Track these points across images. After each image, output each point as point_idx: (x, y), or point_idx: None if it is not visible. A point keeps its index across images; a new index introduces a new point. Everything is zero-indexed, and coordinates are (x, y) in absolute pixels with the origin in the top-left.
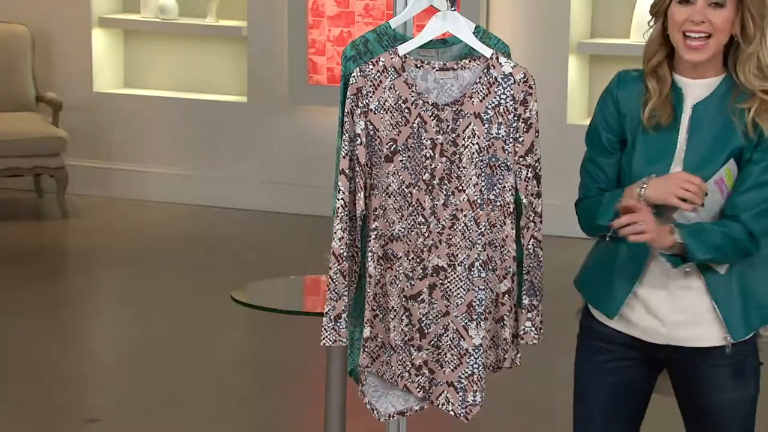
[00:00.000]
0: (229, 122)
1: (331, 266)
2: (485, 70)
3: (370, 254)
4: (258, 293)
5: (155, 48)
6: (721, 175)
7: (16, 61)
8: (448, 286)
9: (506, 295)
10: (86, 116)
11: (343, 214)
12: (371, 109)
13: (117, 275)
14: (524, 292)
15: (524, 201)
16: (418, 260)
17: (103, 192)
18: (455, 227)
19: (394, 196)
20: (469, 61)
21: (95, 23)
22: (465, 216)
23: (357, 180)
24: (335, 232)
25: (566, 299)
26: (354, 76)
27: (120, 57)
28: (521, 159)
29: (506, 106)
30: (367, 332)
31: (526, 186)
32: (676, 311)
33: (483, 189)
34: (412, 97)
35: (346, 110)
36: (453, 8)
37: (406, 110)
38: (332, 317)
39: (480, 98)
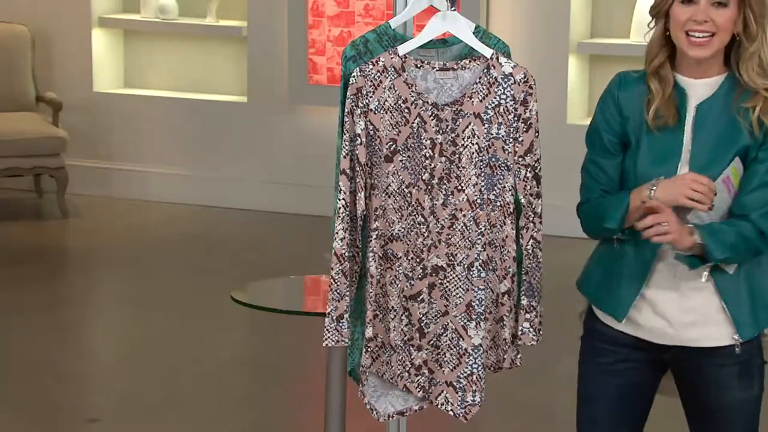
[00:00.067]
0: (229, 122)
1: (332, 266)
2: (485, 70)
3: (371, 254)
4: (258, 293)
5: (155, 48)
6: (728, 174)
7: (16, 61)
8: (447, 286)
9: (506, 296)
10: (86, 116)
11: (344, 214)
12: (371, 109)
13: (117, 275)
14: (523, 292)
15: (523, 201)
16: (417, 260)
17: (103, 192)
18: (454, 227)
19: (393, 196)
20: (469, 61)
21: (95, 23)
22: (464, 216)
23: (357, 180)
24: (337, 233)
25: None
26: (354, 76)
27: (120, 57)
28: (520, 159)
29: (506, 106)
30: (369, 332)
31: (525, 186)
32: (684, 312)
33: (483, 189)
34: (412, 97)
35: (346, 110)
36: (453, 8)
37: (406, 110)
38: (334, 318)
39: (480, 98)
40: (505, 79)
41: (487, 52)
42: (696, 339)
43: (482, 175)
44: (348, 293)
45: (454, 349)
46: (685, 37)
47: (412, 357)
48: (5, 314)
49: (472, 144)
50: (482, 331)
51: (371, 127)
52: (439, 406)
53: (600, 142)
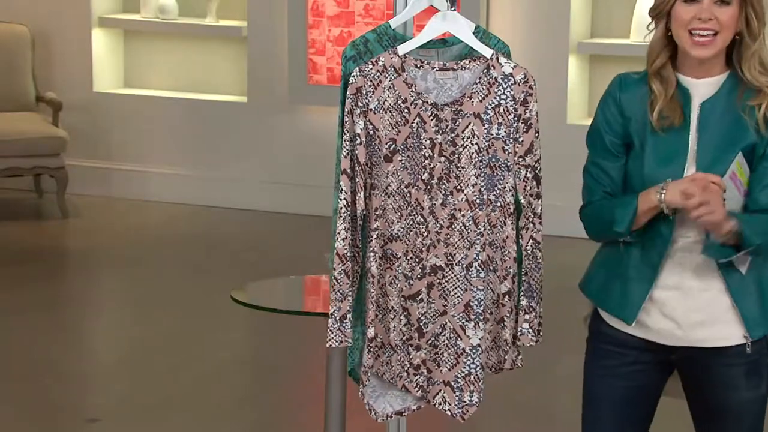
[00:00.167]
0: (229, 122)
1: (335, 267)
2: (485, 71)
3: (372, 254)
4: (258, 293)
5: (155, 48)
6: (733, 170)
7: (16, 61)
8: (445, 286)
9: (507, 296)
10: (86, 116)
11: (346, 214)
12: (371, 109)
13: (117, 275)
14: (522, 293)
15: (523, 201)
16: (416, 260)
17: (103, 192)
18: (453, 227)
19: (393, 196)
20: (469, 62)
21: (95, 23)
22: (463, 216)
23: (357, 180)
24: (339, 233)
25: (566, 300)
26: (354, 76)
27: (120, 57)
28: (521, 159)
29: (506, 107)
30: (371, 332)
31: (525, 186)
32: (693, 312)
33: (482, 189)
34: (412, 96)
35: (345, 110)
36: (453, 8)
37: (406, 110)
38: (337, 318)
39: (480, 98)
40: (505, 80)
41: (487, 52)
42: (705, 339)
43: (482, 175)
44: (350, 293)
45: (452, 349)
46: (688, 37)
47: (411, 357)
48: (5, 314)
49: (472, 144)
50: (481, 331)
51: (371, 126)
52: (436, 406)
53: (601, 143)
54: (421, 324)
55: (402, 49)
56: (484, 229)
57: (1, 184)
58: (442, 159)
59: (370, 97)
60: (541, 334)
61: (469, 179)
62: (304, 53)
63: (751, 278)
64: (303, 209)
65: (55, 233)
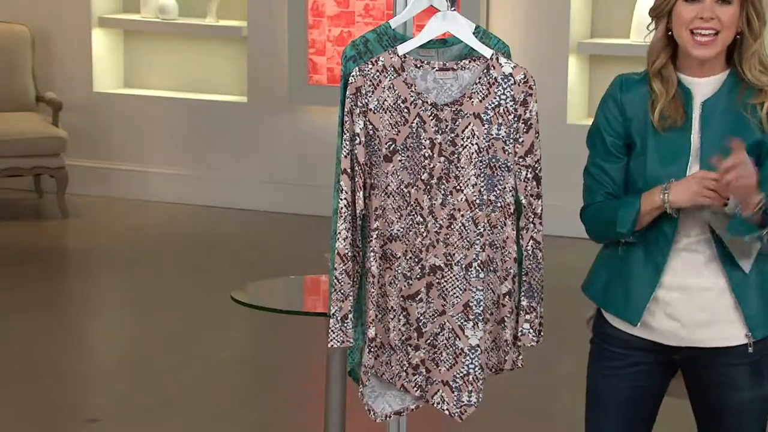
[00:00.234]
0: (229, 122)
1: (336, 267)
2: (485, 71)
3: (372, 254)
4: (258, 293)
5: (155, 48)
6: None
7: (16, 61)
8: (444, 286)
9: (507, 297)
10: (86, 116)
11: (346, 213)
12: (370, 109)
13: (117, 275)
14: (523, 293)
15: (523, 202)
16: (416, 260)
17: (103, 192)
18: (453, 227)
19: (393, 196)
20: (469, 62)
21: (95, 23)
22: (463, 216)
23: (357, 179)
24: (339, 233)
25: (566, 300)
26: (353, 76)
27: (120, 57)
28: (521, 160)
29: (506, 107)
30: (371, 332)
31: (526, 187)
32: (697, 312)
33: (482, 189)
34: (412, 96)
35: (345, 110)
36: (453, 8)
37: (405, 110)
38: (339, 318)
39: (480, 98)
40: (505, 80)
41: (487, 52)
42: (708, 339)
43: (482, 175)
44: (351, 293)
45: (451, 349)
46: (690, 36)
47: (410, 357)
48: (5, 314)
49: (472, 144)
50: (480, 332)
51: (370, 126)
52: (435, 405)
53: (602, 144)
54: (420, 324)
55: (402, 49)
56: (484, 230)
57: (1, 184)
58: (442, 159)
59: (370, 96)
60: (542, 334)
61: (469, 179)
62: (304, 53)
63: (753, 278)
64: (303, 209)
65: (55, 233)
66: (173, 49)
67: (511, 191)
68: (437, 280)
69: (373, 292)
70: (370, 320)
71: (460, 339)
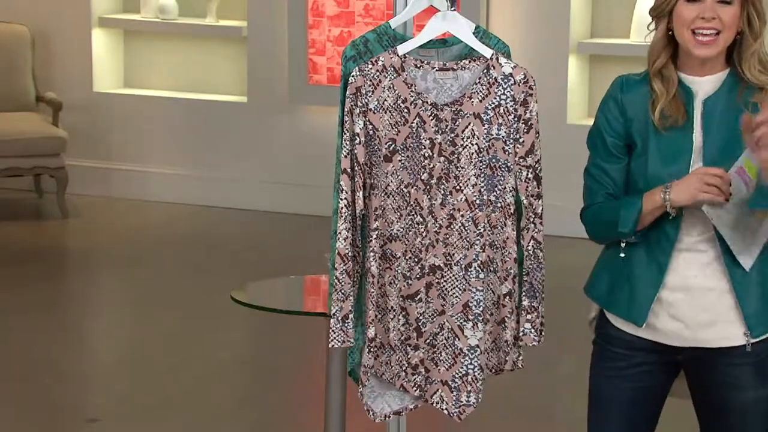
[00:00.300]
0: (229, 122)
1: (336, 267)
2: (485, 71)
3: (371, 254)
4: (258, 293)
5: (155, 48)
6: (740, 165)
7: (16, 61)
8: (444, 286)
9: (507, 297)
10: (86, 116)
11: (346, 213)
12: (370, 109)
13: (117, 275)
14: (524, 293)
15: (524, 202)
16: (416, 260)
17: (103, 192)
18: (452, 227)
19: (393, 196)
20: (469, 62)
21: (95, 23)
22: (462, 216)
23: (357, 179)
24: (340, 233)
25: (566, 300)
26: (353, 76)
27: (120, 57)
28: (521, 160)
29: (506, 107)
30: (371, 332)
31: (527, 187)
32: (699, 312)
33: (482, 190)
34: (412, 96)
35: (345, 109)
36: (453, 8)
37: (405, 110)
38: (339, 318)
39: (480, 98)
40: (505, 80)
41: (487, 52)
42: (712, 339)
43: (482, 175)
44: (352, 293)
45: (450, 349)
46: (691, 36)
47: (409, 356)
48: (5, 314)
49: (472, 144)
50: (480, 332)
51: (370, 126)
52: (434, 405)
53: (603, 145)
54: (420, 324)
55: (402, 49)
56: (484, 230)
57: (1, 184)
58: (442, 159)
59: (370, 96)
60: (543, 334)
61: (469, 179)
62: (304, 53)
63: (755, 276)
64: (303, 209)
65: (55, 233)
66: (173, 49)
67: (511, 191)
68: (437, 280)
69: (372, 292)
70: (370, 320)
71: (459, 339)
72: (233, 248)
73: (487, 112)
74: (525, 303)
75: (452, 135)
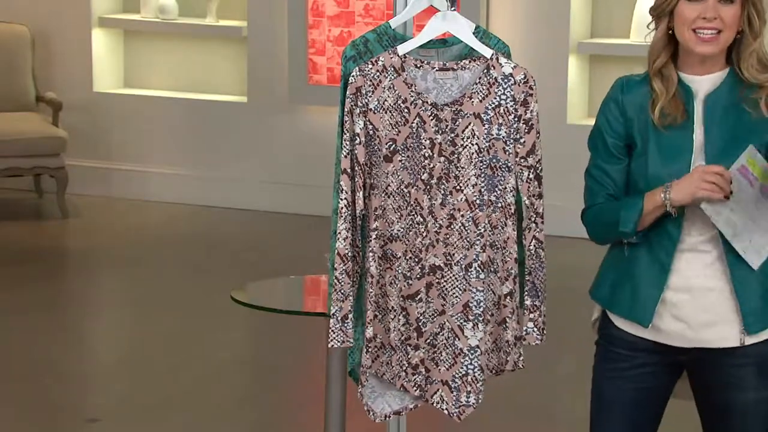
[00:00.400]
0: (229, 122)
1: (336, 267)
2: (485, 71)
3: (371, 254)
4: (258, 293)
5: (155, 48)
6: (742, 163)
7: (16, 61)
8: (444, 286)
9: (508, 297)
10: (86, 116)
11: (346, 213)
12: (370, 109)
13: (117, 275)
14: (526, 292)
15: (526, 202)
16: (416, 260)
17: (103, 192)
18: (452, 227)
19: (393, 196)
20: (469, 62)
21: (95, 23)
22: (463, 216)
23: (356, 179)
24: (340, 233)
25: (566, 300)
26: (353, 76)
27: (120, 57)
28: (522, 160)
29: (506, 107)
30: (369, 333)
31: (528, 187)
32: (701, 313)
33: (483, 190)
34: (412, 96)
35: (345, 110)
36: (453, 8)
37: (405, 110)
38: (339, 318)
39: (480, 98)
40: (505, 80)
41: (487, 52)
42: (713, 340)
43: (482, 176)
44: (351, 293)
45: (450, 349)
46: (692, 35)
47: (409, 356)
48: (5, 314)
49: (472, 144)
50: (480, 332)
51: (370, 126)
52: (434, 405)
53: (604, 146)
54: (420, 324)
55: (402, 49)
56: (485, 230)
57: (1, 184)
58: (442, 159)
59: (370, 96)
60: (545, 332)
61: (469, 179)
62: (304, 53)
63: (757, 277)
64: (303, 209)
65: (55, 233)
66: (173, 49)
67: (511, 191)
68: (437, 280)
69: (371, 292)
70: (369, 320)
71: (459, 339)
72: (233, 248)
73: (488, 112)
74: (528, 302)
75: (452, 135)
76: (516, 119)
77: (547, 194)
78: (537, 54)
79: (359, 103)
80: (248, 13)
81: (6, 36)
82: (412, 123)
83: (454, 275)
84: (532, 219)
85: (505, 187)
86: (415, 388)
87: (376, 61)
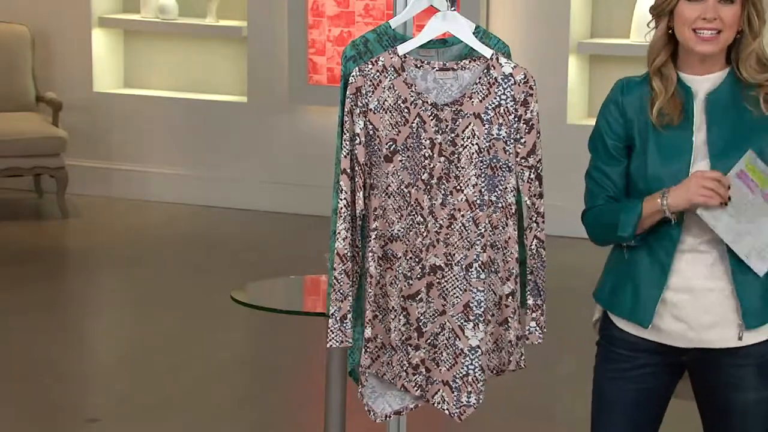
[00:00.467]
0: (229, 122)
1: (335, 267)
2: (485, 71)
3: (370, 254)
4: (258, 293)
5: (155, 48)
6: (741, 168)
7: (16, 61)
8: (444, 286)
9: (509, 297)
10: (86, 116)
11: (346, 214)
12: (371, 109)
13: (117, 275)
14: (528, 292)
15: (527, 202)
16: (416, 260)
17: (103, 192)
18: (453, 227)
19: (393, 197)
20: (469, 62)
21: (95, 23)
22: (463, 216)
23: (356, 179)
24: (339, 233)
25: (566, 300)
26: (353, 76)
27: (120, 57)
28: (523, 160)
29: (506, 107)
30: (368, 333)
31: (529, 187)
32: (702, 313)
33: (483, 190)
34: (412, 96)
35: (345, 110)
36: (453, 8)
37: (406, 110)
38: (338, 318)
39: (480, 98)
40: (505, 80)
41: (487, 52)
42: (714, 340)
43: (482, 176)
44: (351, 293)
45: (451, 349)
46: (692, 34)
47: (410, 356)
48: (5, 314)
49: (472, 144)
50: (481, 333)
51: (371, 126)
52: (435, 405)
53: (604, 147)
54: (420, 324)
55: (402, 49)
56: (485, 230)
57: (1, 184)
58: (442, 159)
59: (370, 96)
60: (545, 330)
61: (469, 179)
62: (304, 53)
63: (757, 276)
64: (303, 209)
65: (55, 233)
66: (173, 49)
67: (512, 191)
68: (437, 280)
69: (371, 292)
70: (368, 320)
71: (460, 339)
72: (233, 248)
73: (488, 112)
74: (530, 302)
75: (452, 135)
76: (516, 119)
77: (547, 194)
78: (537, 54)
79: (359, 103)
80: (248, 13)
81: (6, 36)
82: (412, 123)
83: (454, 275)
84: (534, 219)
85: (506, 187)
86: (416, 388)
87: (376, 61)
